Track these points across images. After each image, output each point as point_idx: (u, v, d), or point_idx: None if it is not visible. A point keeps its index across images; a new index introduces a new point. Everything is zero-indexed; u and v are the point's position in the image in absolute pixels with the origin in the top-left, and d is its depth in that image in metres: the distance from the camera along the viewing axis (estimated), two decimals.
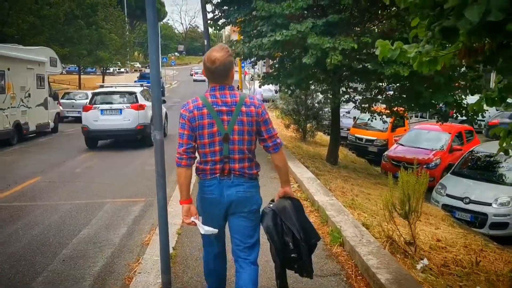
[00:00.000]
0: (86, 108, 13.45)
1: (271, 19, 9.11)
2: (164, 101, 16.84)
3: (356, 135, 16.27)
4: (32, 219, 6.44)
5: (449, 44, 3.01)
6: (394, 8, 9.48)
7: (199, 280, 3.89)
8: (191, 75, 66.04)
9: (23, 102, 15.00)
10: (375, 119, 12.39)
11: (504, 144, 3.44)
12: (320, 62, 8.62)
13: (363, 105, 11.55)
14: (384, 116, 11.94)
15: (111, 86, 15.60)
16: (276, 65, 11.25)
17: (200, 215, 2.99)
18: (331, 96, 10.71)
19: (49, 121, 17.12)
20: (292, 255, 2.99)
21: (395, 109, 11.06)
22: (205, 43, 13.42)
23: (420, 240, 5.14)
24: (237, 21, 10.99)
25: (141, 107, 13.33)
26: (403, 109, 11.02)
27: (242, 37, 11.49)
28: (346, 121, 16.40)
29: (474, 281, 4.21)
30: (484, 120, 17.71)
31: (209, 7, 12.45)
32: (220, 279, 3.26)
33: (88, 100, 14.07)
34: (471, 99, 9.80)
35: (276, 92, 21.51)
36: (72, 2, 32.27)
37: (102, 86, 15.56)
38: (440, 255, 4.92)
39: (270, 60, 12.91)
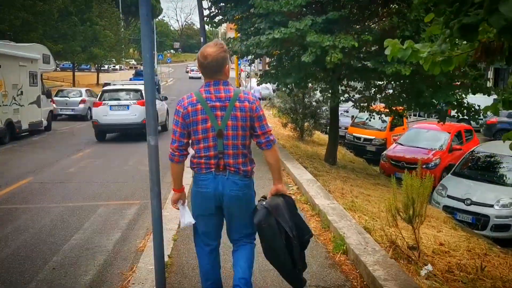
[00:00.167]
0: (96, 104, 14.73)
1: (269, 17, 8.90)
2: (166, 98, 18.05)
3: (354, 134, 16.10)
4: (22, 223, 6.20)
5: (465, 43, 2.81)
6: (395, 5, 9.30)
7: None
8: (187, 72, 65.64)
9: (15, 100, 14.72)
10: (374, 118, 12.22)
11: None
12: (319, 61, 8.42)
13: (361, 104, 11.38)
14: (383, 115, 11.79)
15: (115, 84, 17.13)
16: (274, 64, 11.04)
17: (193, 209, 3.05)
18: (330, 95, 10.51)
19: (42, 119, 16.83)
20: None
21: (394, 108, 10.89)
22: (201, 40, 13.19)
23: (422, 243, 4.97)
24: (234, 18, 10.76)
25: None
26: (402, 108, 10.85)
27: (239, 34, 11.27)
28: (344, 120, 16.19)
29: None
30: (482, 119, 17.57)
31: (205, 4, 12.25)
32: (215, 281, 3.18)
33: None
34: (471, 98, 9.75)
35: (274, 91, 21.31)
36: None
37: (109, 84, 17.12)
38: (444, 260, 4.76)
39: (267, 58, 12.70)
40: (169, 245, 4.68)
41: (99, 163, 11.03)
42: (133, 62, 76.93)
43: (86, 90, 23.62)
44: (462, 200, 8.64)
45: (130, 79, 35.65)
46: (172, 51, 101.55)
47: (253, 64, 21.08)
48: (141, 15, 3.06)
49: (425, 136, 13.15)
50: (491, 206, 8.32)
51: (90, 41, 36.35)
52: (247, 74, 31.95)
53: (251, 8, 9.31)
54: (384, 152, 13.16)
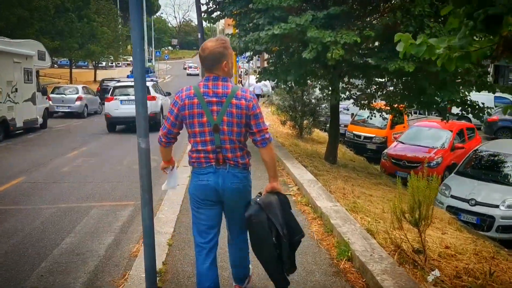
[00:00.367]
0: (108, 99, 16.38)
1: (268, 12, 8.63)
2: (169, 93, 19.21)
3: (354, 132, 15.85)
4: (11, 226, 5.95)
5: (487, 36, 2.57)
6: (397, 0, 9.07)
7: None
8: (185, 69, 65.29)
9: (9, 97, 14.43)
10: (375, 116, 11.99)
11: None
12: (320, 57, 8.17)
13: (362, 102, 11.14)
14: (384, 113, 11.56)
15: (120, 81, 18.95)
16: (273, 60, 10.78)
17: (193, 203, 3.09)
18: (330, 93, 10.26)
19: (38, 116, 16.56)
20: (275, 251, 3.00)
21: (395, 105, 10.66)
22: (199, 36, 12.94)
23: (428, 247, 4.76)
24: (233, 13, 10.49)
25: (153, 98, 16.10)
26: (403, 105, 10.62)
27: (237, 30, 11.01)
28: (343, 118, 15.95)
29: None
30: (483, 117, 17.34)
31: None
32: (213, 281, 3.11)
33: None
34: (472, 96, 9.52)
35: (272, 88, 21.10)
36: None
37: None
38: (451, 264, 4.55)
39: (266, 55, 12.44)
40: (163, 250, 4.44)
41: (94, 161, 10.78)
42: (131, 59, 76.45)
43: (82, 87, 23.34)
44: (467, 201, 8.41)
45: (128, 76, 35.43)
46: (170, 48, 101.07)
47: (251, 61, 20.85)
48: (131, 14, 2.82)
49: (427, 134, 12.91)
50: (497, 206, 8.09)
51: (87, 37, 36.01)
52: (245, 72, 31.64)
53: (250, 3, 9.03)
54: (385, 151, 12.92)
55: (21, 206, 6.95)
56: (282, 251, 2.99)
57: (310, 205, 6.05)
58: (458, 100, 9.04)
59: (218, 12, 11.36)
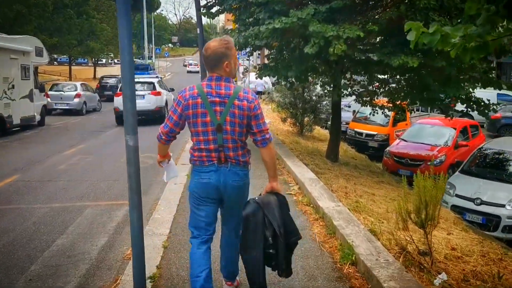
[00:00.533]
0: (117, 94, 16.76)
1: (269, 6, 8.41)
2: (173, 89, 20.40)
3: (355, 129, 15.61)
4: (1, 226, 5.74)
5: (504, 25, 2.35)
6: None
7: None
8: (185, 66, 64.98)
9: (6, 94, 14.23)
10: (377, 112, 11.77)
11: None
12: (322, 52, 7.94)
13: (364, 99, 10.92)
14: (386, 110, 11.34)
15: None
16: (274, 56, 10.55)
17: (192, 201, 3.09)
18: (332, 89, 10.04)
19: (35, 114, 16.34)
20: (270, 251, 2.97)
21: (398, 102, 10.44)
22: (198, 31, 12.71)
23: (434, 248, 4.57)
24: (232, 8, 10.25)
25: (158, 93, 17.41)
26: (405, 102, 10.40)
27: (237, 26, 10.77)
28: (345, 115, 15.73)
29: None
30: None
31: None
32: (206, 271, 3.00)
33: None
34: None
35: (273, 85, 20.90)
36: None
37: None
38: (458, 267, 4.36)
39: (266, 51, 12.21)
40: (158, 253, 4.24)
41: (91, 159, 10.56)
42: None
43: (81, 84, 23.13)
44: (472, 200, 8.19)
45: None
46: (170, 45, 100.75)
47: (251, 57, 20.67)
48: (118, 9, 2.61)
49: (429, 132, 12.67)
50: (503, 206, 7.87)
51: (86, 34, 35.78)
52: (245, 69, 31.34)
53: None
54: (387, 149, 12.69)
55: (14, 205, 6.74)
56: (278, 250, 2.97)
57: (311, 205, 5.84)
58: (463, 97, 8.83)
59: (217, 7, 11.11)
